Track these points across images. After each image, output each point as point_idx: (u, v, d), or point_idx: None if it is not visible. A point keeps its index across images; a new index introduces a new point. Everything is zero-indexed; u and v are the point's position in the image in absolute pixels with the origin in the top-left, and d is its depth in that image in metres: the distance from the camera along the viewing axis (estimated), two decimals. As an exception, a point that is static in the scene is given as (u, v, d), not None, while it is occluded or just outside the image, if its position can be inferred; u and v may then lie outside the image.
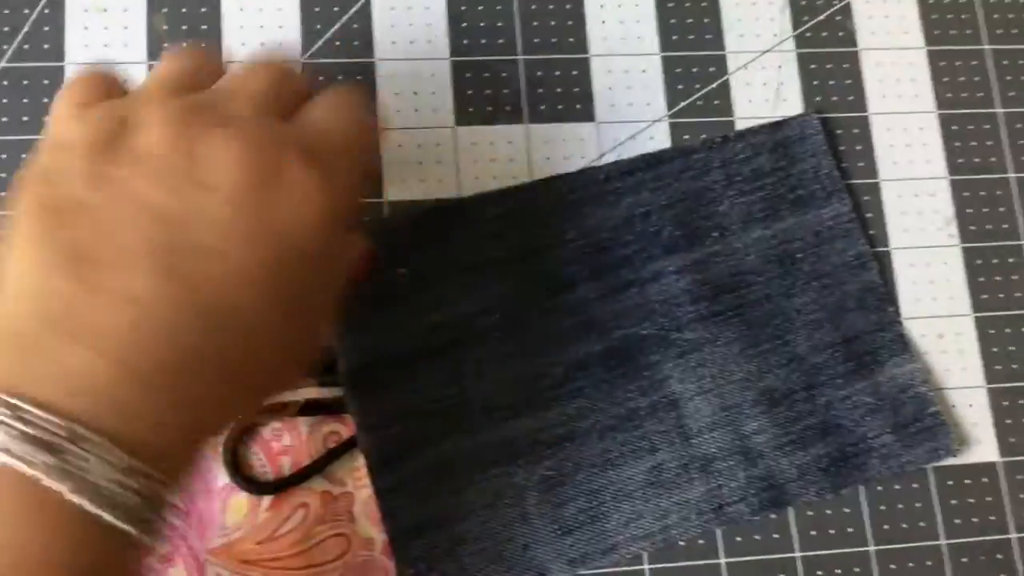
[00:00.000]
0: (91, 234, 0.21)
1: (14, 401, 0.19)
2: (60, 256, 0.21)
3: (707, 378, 0.32)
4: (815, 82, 0.36)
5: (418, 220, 0.33)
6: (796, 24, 0.36)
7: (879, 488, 0.32)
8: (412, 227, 0.33)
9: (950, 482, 0.33)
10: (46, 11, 0.33)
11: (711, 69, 0.36)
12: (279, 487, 0.31)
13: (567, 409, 0.32)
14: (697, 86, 0.35)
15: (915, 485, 0.33)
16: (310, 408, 0.31)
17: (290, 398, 0.31)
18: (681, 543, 0.31)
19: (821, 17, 0.36)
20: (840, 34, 0.36)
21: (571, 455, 0.31)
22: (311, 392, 0.31)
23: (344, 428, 0.32)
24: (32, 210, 0.21)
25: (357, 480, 0.31)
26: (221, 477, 0.30)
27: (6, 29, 0.33)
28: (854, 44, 0.37)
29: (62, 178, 0.22)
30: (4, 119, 0.32)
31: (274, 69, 0.25)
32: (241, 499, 0.30)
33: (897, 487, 0.33)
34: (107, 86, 0.24)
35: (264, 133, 0.23)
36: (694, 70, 0.36)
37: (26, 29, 0.33)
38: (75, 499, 0.19)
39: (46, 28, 0.33)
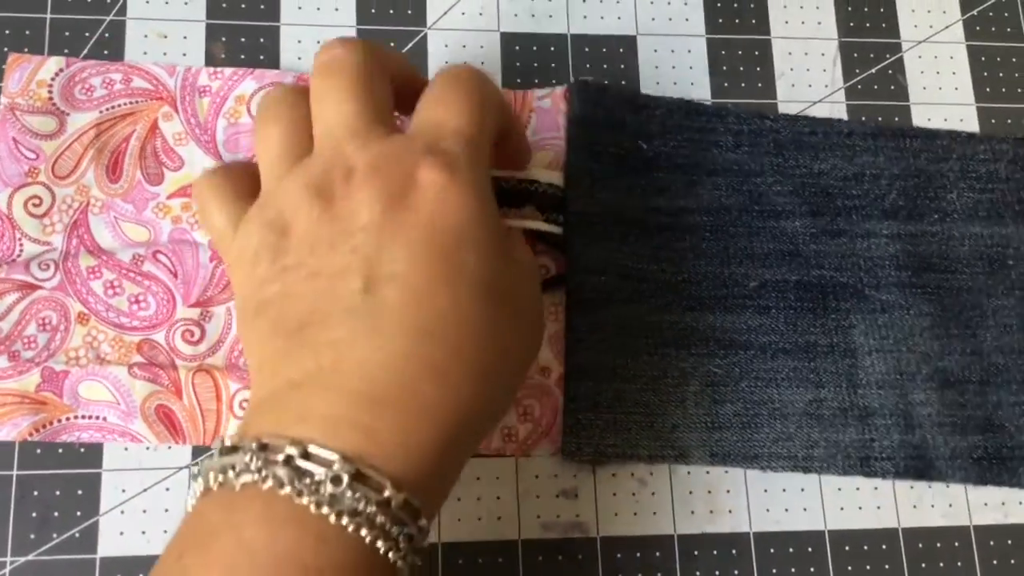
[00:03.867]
0: (291, 308, 0.24)
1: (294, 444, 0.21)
2: (276, 334, 0.24)
3: (890, 339, 0.33)
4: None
5: (679, 108, 0.35)
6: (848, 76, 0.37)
7: None
8: (671, 111, 0.35)
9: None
10: (106, 35, 0.34)
11: None
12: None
13: (750, 321, 0.33)
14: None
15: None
16: (529, 236, 0.33)
17: (515, 224, 0.33)
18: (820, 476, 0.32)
19: (872, 71, 0.37)
20: (892, 87, 0.37)
21: (740, 362, 0.33)
22: (537, 223, 0.33)
23: (553, 265, 0.34)
24: (247, 310, 0.25)
25: (550, 314, 0.33)
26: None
27: (66, 51, 0.33)
28: (906, 98, 0.37)
29: (258, 279, 0.25)
30: None
31: (364, 69, 0.25)
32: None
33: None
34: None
35: (381, 154, 0.24)
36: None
37: (85, 52, 0.33)
38: (355, 531, 0.20)
39: (106, 52, 0.33)
